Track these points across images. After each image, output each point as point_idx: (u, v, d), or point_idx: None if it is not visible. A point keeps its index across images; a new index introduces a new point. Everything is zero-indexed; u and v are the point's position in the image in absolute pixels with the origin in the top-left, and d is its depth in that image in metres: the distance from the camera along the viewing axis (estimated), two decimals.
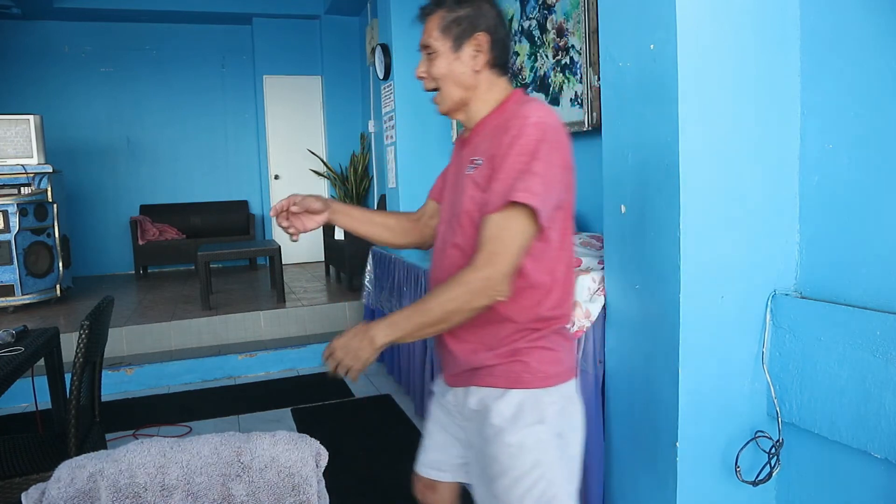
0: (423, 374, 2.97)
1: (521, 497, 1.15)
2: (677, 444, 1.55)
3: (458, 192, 1.22)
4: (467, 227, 1.18)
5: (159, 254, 6.27)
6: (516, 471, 1.16)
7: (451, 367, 1.27)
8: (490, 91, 1.22)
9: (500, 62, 1.22)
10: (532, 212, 1.07)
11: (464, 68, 1.20)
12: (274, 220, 1.44)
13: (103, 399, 2.22)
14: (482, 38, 1.18)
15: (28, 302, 4.68)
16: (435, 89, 1.24)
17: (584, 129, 2.59)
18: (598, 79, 2.44)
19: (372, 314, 3.89)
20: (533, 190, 1.06)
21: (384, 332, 1.10)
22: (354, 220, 1.42)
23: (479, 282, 1.07)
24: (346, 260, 4.89)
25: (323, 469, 1.11)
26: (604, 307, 1.84)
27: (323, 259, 6.11)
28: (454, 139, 3.98)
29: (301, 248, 6.81)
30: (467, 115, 1.24)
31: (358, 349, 1.09)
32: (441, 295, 1.09)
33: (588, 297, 1.86)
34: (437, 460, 1.36)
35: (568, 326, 1.26)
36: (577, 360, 1.27)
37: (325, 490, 1.11)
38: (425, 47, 1.22)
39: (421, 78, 1.25)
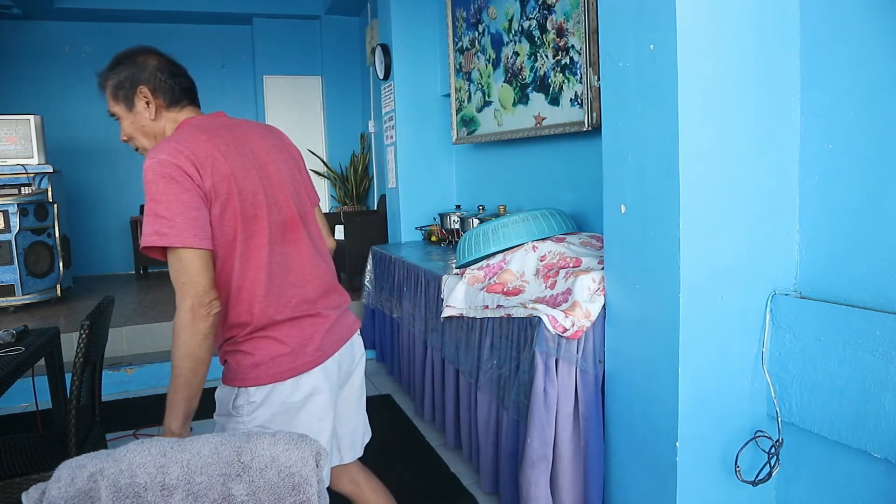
0: (423, 375, 2.97)
1: None
2: (677, 443, 1.55)
3: None
4: None
5: None
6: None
7: None
8: (175, 128, 1.38)
9: (173, 100, 1.38)
10: (164, 246, 1.20)
11: (144, 121, 1.37)
12: None
13: (104, 399, 2.23)
14: (144, 91, 1.35)
15: (28, 302, 4.68)
16: (137, 147, 1.42)
17: (584, 129, 2.59)
18: (598, 79, 2.44)
19: (372, 314, 3.89)
20: (155, 231, 1.19)
21: (173, 418, 1.25)
22: None
23: (184, 317, 1.21)
24: (345, 260, 4.89)
25: (323, 469, 1.11)
26: (604, 307, 1.84)
27: None
28: (454, 140, 3.98)
29: None
30: None
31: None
32: (174, 351, 1.23)
33: (588, 297, 1.86)
34: None
35: (276, 334, 1.34)
36: (304, 364, 1.36)
37: (325, 490, 1.11)
38: (112, 115, 1.40)
39: (125, 141, 1.43)
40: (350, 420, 1.58)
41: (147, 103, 1.36)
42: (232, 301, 1.31)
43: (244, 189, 1.31)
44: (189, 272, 1.20)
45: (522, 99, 3.13)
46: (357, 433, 1.62)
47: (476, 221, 3.32)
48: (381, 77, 4.61)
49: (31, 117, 4.85)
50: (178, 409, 1.24)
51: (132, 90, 1.35)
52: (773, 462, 1.55)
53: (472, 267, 2.46)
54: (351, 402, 1.58)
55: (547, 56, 2.87)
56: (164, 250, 1.22)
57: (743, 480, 1.56)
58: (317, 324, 1.40)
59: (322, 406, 1.39)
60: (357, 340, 1.57)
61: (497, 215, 3.09)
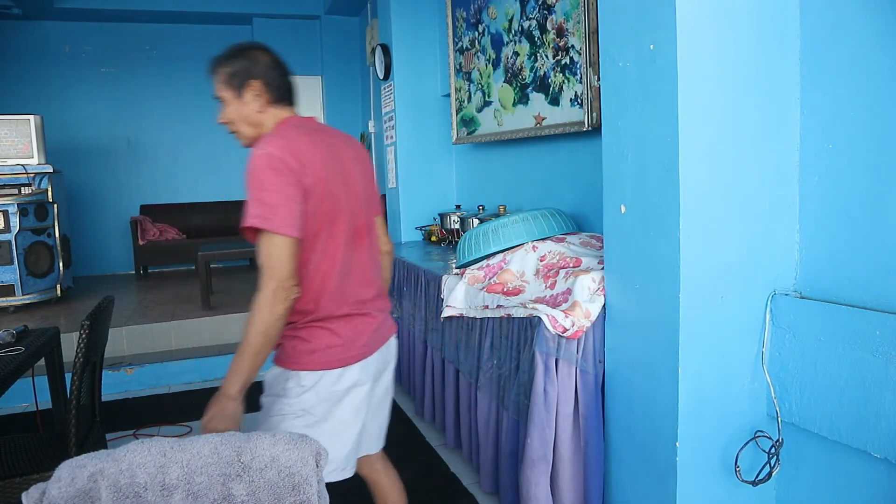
0: (424, 375, 2.97)
1: (270, 425, 1.45)
2: (677, 443, 1.55)
3: None
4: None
5: (160, 254, 6.27)
6: (262, 426, 1.46)
7: None
8: (275, 123, 1.49)
9: (279, 98, 1.50)
10: (257, 228, 1.31)
11: (248, 110, 1.47)
12: None
13: (104, 399, 2.23)
14: (256, 85, 1.46)
15: (28, 302, 4.68)
16: (234, 131, 1.51)
17: (584, 129, 2.59)
18: (598, 79, 2.44)
19: None
20: (258, 214, 1.30)
21: (232, 383, 1.32)
22: None
23: (266, 297, 1.30)
24: None
25: (323, 469, 1.11)
26: (604, 307, 1.84)
27: None
28: (454, 140, 3.98)
29: None
30: None
31: (224, 410, 1.31)
32: (251, 325, 1.31)
33: (588, 297, 1.86)
34: None
35: (332, 327, 1.46)
36: (352, 356, 1.48)
37: (325, 490, 1.11)
38: (218, 99, 1.50)
39: (223, 123, 1.51)
40: (379, 415, 1.68)
41: (257, 95, 1.47)
42: (301, 290, 1.40)
43: (333, 193, 1.42)
44: (278, 257, 1.30)
45: (522, 99, 3.14)
46: (383, 428, 1.73)
47: (476, 221, 3.32)
48: (381, 77, 4.61)
49: (31, 117, 4.85)
50: (240, 376, 1.32)
51: (245, 81, 1.46)
52: (773, 462, 1.55)
53: (472, 267, 2.46)
54: (381, 398, 1.67)
55: (547, 56, 2.87)
56: (257, 232, 1.32)
57: (743, 480, 1.56)
58: (367, 323, 1.52)
59: (360, 398, 1.51)
60: (393, 343, 1.67)
61: (497, 215, 3.09)
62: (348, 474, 1.53)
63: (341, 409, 1.47)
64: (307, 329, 1.44)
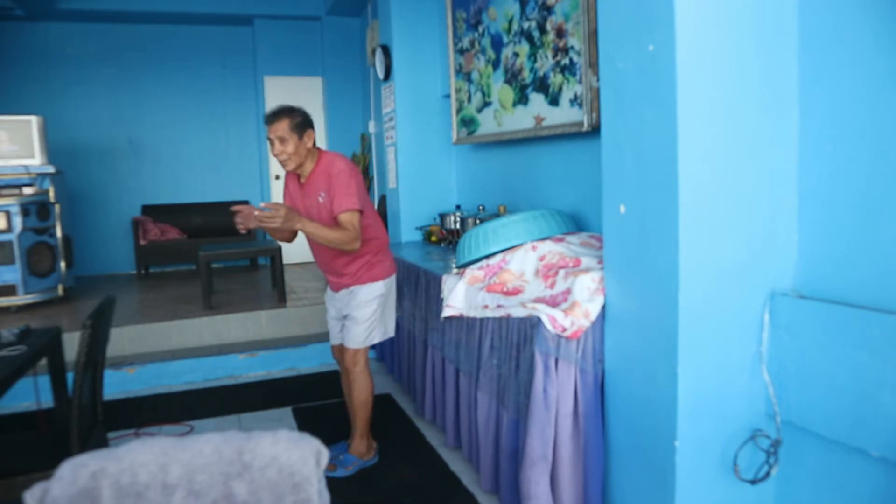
0: (424, 374, 2.98)
1: (364, 318, 2.53)
2: (676, 442, 1.56)
3: (312, 210, 2.42)
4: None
5: (161, 254, 6.28)
6: (360, 313, 2.53)
7: (338, 284, 2.58)
8: (312, 158, 2.43)
9: (315, 143, 2.42)
10: (354, 209, 2.32)
11: (304, 148, 2.37)
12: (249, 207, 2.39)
13: (105, 398, 2.24)
14: (311, 133, 2.40)
15: (31, 302, 4.69)
16: (287, 160, 2.36)
17: (584, 130, 2.59)
18: (598, 80, 2.44)
19: None
20: (351, 200, 2.32)
21: (303, 224, 2.24)
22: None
23: (349, 236, 2.30)
24: None
25: (324, 468, 1.11)
26: (603, 307, 1.85)
27: None
28: (454, 140, 3.98)
29: (302, 248, 6.79)
30: (303, 170, 2.43)
31: (287, 222, 2.19)
32: (334, 232, 2.29)
33: (587, 296, 1.86)
34: (336, 335, 2.70)
35: (387, 255, 2.60)
36: (392, 272, 2.62)
37: (325, 489, 1.12)
38: (280, 138, 2.32)
39: (279, 153, 2.34)
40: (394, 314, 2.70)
41: (309, 139, 2.38)
42: (371, 242, 2.50)
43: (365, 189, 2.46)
44: (356, 225, 2.32)
45: (522, 99, 3.14)
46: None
47: (476, 221, 3.33)
48: (382, 78, 4.62)
49: (33, 118, 4.86)
50: (305, 225, 2.25)
51: (305, 129, 2.36)
52: (771, 461, 1.55)
53: (472, 267, 2.47)
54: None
55: (546, 57, 2.88)
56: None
57: (742, 479, 1.57)
58: (391, 256, 2.62)
59: (395, 293, 2.66)
60: None
61: (497, 215, 3.10)
62: (391, 335, 2.65)
63: (391, 298, 2.61)
64: (379, 260, 2.53)
